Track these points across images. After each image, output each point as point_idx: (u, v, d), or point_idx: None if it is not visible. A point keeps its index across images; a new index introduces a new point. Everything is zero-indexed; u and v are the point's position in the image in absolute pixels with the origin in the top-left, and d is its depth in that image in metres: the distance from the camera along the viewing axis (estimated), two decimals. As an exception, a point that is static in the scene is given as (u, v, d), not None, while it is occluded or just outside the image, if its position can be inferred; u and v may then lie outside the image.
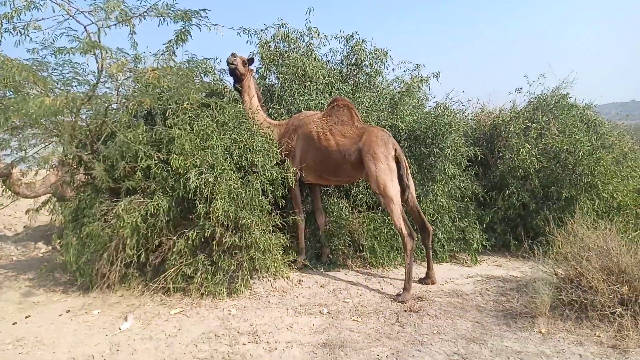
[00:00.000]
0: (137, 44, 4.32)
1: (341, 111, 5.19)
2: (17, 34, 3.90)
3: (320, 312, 4.17)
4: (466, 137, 6.57)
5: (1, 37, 3.82)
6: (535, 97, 7.18)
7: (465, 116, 7.18)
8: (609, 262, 3.84)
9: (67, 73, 4.26)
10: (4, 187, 4.55)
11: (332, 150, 5.07)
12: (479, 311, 4.17)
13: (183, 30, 4.48)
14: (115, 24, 3.94)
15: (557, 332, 3.65)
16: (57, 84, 4.20)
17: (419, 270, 5.23)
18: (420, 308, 4.21)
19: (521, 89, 7.35)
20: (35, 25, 3.87)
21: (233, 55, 5.58)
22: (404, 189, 4.75)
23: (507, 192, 6.16)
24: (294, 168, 5.13)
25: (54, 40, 4.07)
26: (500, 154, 6.66)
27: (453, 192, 6.08)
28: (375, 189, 4.78)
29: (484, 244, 5.95)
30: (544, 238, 5.10)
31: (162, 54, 4.59)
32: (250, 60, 5.77)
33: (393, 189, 4.67)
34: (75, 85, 4.35)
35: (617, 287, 3.70)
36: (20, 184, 5.90)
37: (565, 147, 6.03)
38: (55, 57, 4.08)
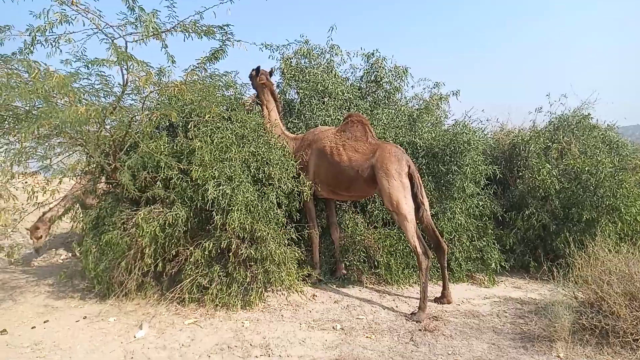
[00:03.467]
0: (172, 57, 4.44)
1: (355, 127, 5.18)
2: (48, 46, 4.06)
3: (333, 327, 4.14)
4: (485, 156, 6.52)
5: (34, 48, 3.98)
6: (556, 117, 7.11)
7: (485, 134, 7.14)
8: (631, 287, 3.73)
9: (97, 84, 4.40)
10: (29, 194, 4.68)
11: (344, 166, 5.05)
12: (496, 333, 4.08)
13: (220, 49, 4.59)
14: (144, 39, 4.06)
15: (576, 358, 3.54)
16: (84, 94, 4.34)
17: (435, 289, 5.15)
18: (435, 328, 4.14)
19: (541, 108, 7.31)
20: (66, 38, 4.02)
21: (253, 69, 5.90)
22: (418, 206, 4.67)
23: (527, 212, 6.06)
24: (309, 182, 5.16)
25: (82, 52, 4.23)
26: (520, 174, 6.59)
27: (471, 210, 6.00)
28: (388, 206, 4.75)
29: (503, 264, 5.84)
30: (564, 260, 5.00)
31: (192, 69, 4.69)
32: (257, 71, 5.91)
33: (407, 207, 4.62)
34: (102, 96, 4.49)
35: (640, 313, 3.59)
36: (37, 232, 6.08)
37: (586, 168, 5.93)
38: (88, 68, 4.22)
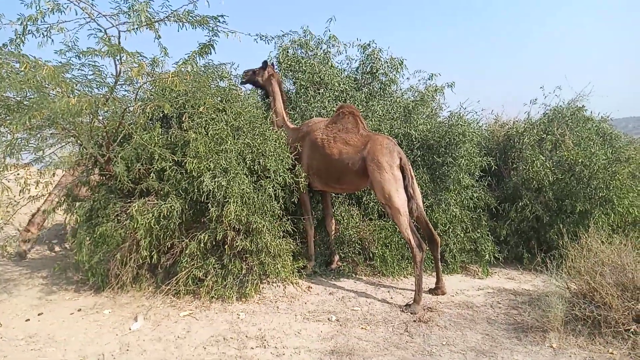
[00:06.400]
0: (165, 49, 4.36)
1: (346, 119, 5.14)
2: (40, 36, 3.99)
3: (328, 319, 4.16)
4: (479, 148, 6.53)
5: (25, 38, 3.91)
6: (551, 109, 7.11)
7: (479, 126, 7.15)
8: (623, 277, 3.78)
9: (90, 75, 4.33)
10: (21, 186, 4.62)
11: (334, 158, 5.02)
12: (490, 324, 4.12)
13: (207, 43, 4.52)
14: (136, 28, 4.00)
15: (569, 348, 3.59)
16: (77, 85, 4.27)
17: (430, 280, 5.19)
18: (429, 319, 4.18)
19: (536, 100, 7.28)
20: (58, 28, 3.94)
21: (243, 72, 6.18)
22: (409, 198, 4.62)
23: (521, 204, 6.09)
24: (304, 174, 5.14)
25: (74, 42, 4.15)
26: (514, 165, 6.61)
27: (466, 202, 6.02)
28: (380, 199, 4.72)
29: (496, 256, 5.88)
30: (557, 252, 5.03)
31: (183, 62, 4.63)
32: (264, 64, 5.94)
33: (399, 200, 4.58)
34: (94, 87, 4.42)
35: (632, 304, 3.63)
36: (28, 234, 6.03)
37: (580, 160, 5.96)
38: (80, 59, 4.15)
